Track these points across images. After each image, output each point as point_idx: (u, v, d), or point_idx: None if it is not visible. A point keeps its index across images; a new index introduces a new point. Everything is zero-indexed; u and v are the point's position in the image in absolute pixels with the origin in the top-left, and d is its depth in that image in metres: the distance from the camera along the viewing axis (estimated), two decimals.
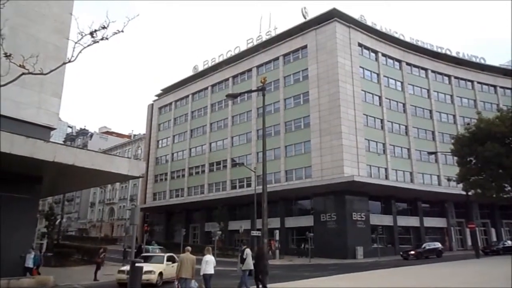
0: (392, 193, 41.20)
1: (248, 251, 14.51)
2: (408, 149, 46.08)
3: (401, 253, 36.01)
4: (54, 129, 16.49)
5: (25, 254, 15.62)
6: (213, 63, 58.37)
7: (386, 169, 43.04)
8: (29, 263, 15.47)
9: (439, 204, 46.87)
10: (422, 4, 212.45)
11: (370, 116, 43.48)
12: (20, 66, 9.01)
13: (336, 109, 40.53)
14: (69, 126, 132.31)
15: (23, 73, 9.28)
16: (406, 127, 46.91)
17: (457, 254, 38.93)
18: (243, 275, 13.85)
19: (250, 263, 13.99)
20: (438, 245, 37.35)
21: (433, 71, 51.81)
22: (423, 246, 36.54)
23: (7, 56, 8.66)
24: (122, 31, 9.13)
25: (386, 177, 42.48)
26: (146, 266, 15.86)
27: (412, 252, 35.09)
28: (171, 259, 18.89)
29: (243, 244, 16.24)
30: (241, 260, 14.46)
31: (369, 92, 44.50)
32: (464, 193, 32.12)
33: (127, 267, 15.63)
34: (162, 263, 18.16)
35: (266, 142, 17.44)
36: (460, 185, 33.15)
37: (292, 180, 43.01)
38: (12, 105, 15.00)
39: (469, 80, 54.49)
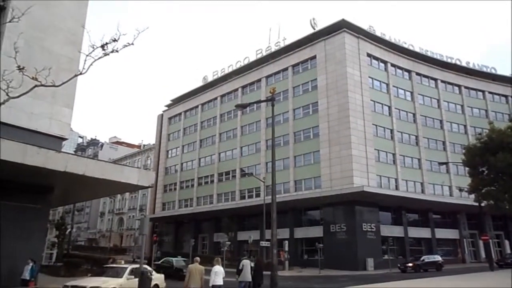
0: (402, 204, 40.73)
1: (245, 262, 14.44)
2: (419, 159, 45.64)
3: (398, 265, 34.77)
4: (66, 139, 16.70)
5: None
6: (222, 74, 58.79)
7: (396, 180, 42.64)
8: (26, 274, 14.98)
9: (451, 215, 46.17)
10: (431, 14, 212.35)
11: (379, 126, 43.25)
12: (33, 78, 9.18)
13: (345, 119, 40.42)
14: (80, 136, 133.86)
15: (36, 86, 9.44)
16: (416, 137, 46.54)
17: (471, 266, 38.14)
18: (239, 286, 13.93)
19: (246, 275, 13.98)
20: (438, 258, 35.78)
21: (443, 81, 51.51)
22: (422, 258, 34.96)
23: (20, 69, 8.83)
24: (132, 43, 9.26)
25: (396, 188, 42.05)
26: (95, 281, 14.38)
27: (410, 265, 33.74)
28: (135, 272, 15.69)
29: (242, 256, 16.23)
30: (237, 271, 14.46)
31: (379, 102, 44.34)
32: (476, 204, 31.61)
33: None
34: (121, 277, 15.28)
35: (275, 152, 17.43)
36: (472, 196, 32.65)
37: (301, 190, 42.81)
38: (24, 116, 15.24)
39: (480, 90, 54.00)
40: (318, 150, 42.26)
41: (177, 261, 28.47)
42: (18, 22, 9.42)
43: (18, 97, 9.32)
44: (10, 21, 9.39)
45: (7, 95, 9.09)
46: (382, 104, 44.71)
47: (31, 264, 15.27)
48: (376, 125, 42.81)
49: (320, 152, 41.92)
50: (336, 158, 40.10)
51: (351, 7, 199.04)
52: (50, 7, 15.21)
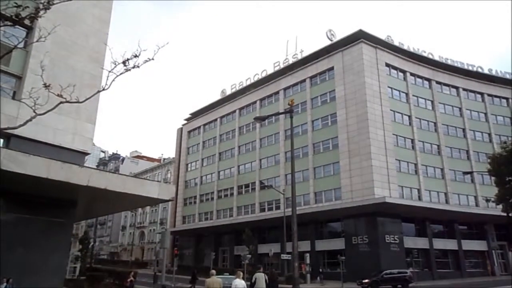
0: (426, 215, 39.80)
1: (258, 275, 13.93)
2: (442, 169, 44.66)
3: (357, 281, 31.22)
4: (88, 154, 17.05)
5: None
6: (240, 87, 59.27)
7: (418, 190, 41.79)
8: None
9: (478, 226, 44.80)
10: (449, 22, 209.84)
11: (400, 136, 42.68)
12: (58, 95, 9.46)
13: (364, 129, 40.05)
14: (101, 151, 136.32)
15: (61, 102, 9.72)
16: (439, 146, 45.62)
17: (501, 279, 36.76)
18: None
19: None
20: (405, 272, 31.23)
21: (464, 89, 50.54)
22: (382, 273, 30.33)
23: (46, 86, 9.12)
24: (153, 59, 9.46)
25: (419, 198, 41.18)
26: None
27: (366, 281, 29.75)
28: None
29: (257, 269, 15.72)
30: (250, 285, 13.96)
31: (398, 112, 43.84)
32: (504, 214, 30.58)
33: None
34: None
35: (295, 164, 17.35)
36: (500, 206, 31.63)
37: (321, 202, 42.42)
38: (49, 131, 15.67)
39: (504, 98, 52.71)
40: (338, 161, 41.91)
41: (226, 279, 22.85)
42: (45, 41, 9.77)
43: (44, 113, 9.61)
44: (37, 41, 9.74)
45: (34, 112, 9.38)
46: (402, 113, 44.16)
47: (4, 283, 13.45)
48: (396, 135, 42.25)
49: (340, 163, 41.54)
50: (357, 169, 39.64)
51: (368, 18, 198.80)
52: (74, 26, 15.74)
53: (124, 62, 9.33)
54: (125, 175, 16.16)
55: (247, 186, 53.18)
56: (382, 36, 46.30)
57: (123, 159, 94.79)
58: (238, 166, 55.64)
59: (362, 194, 38.02)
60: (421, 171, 42.76)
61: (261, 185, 50.75)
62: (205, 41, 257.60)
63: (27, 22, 10.33)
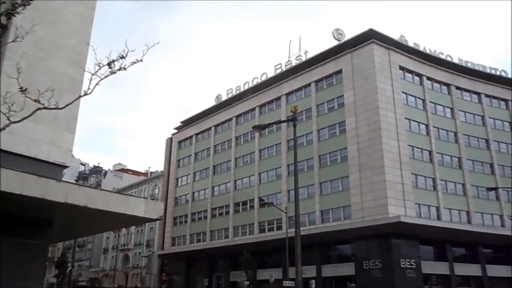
0: (446, 236, 39.63)
1: None
2: (463, 185, 44.64)
3: None
4: (67, 167, 16.99)
5: None
6: (237, 92, 59.52)
7: (437, 208, 41.73)
8: None
9: (504, 249, 44.53)
10: (467, 22, 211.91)
11: (416, 147, 42.78)
12: (35, 101, 9.46)
13: (377, 140, 40.15)
14: (81, 164, 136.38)
15: (39, 108, 9.72)
16: (459, 159, 45.67)
17: None
18: None
19: None
20: None
21: (487, 95, 50.73)
22: None
23: (23, 90, 9.13)
24: (141, 60, 9.49)
25: (438, 217, 41.09)
26: None
27: None
28: None
29: None
30: None
31: (414, 120, 44.00)
32: None
33: None
34: None
35: (299, 179, 17.33)
36: None
37: (328, 221, 42.31)
38: (24, 141, 15.61)
39: None
40: (347, 175, 41.92)
41: None
42: (22, 41, 9.81)
43: (19, 121, 9.60)
44: (13, 41, 9.78)
45: (8, 119, 9.37)
46: (418, 122, 44.33)
47: None
48: (412, 146, 42.36)
49: (350, 178, 41.54)
50: (368, 184, 39.63)
51: (378, 17, 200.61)
52: (53, 24, 15.81)
53: (109, 64, 9.37)
54: (107, 190, 16.07)
55: (244, 203, 53.04)
56: (395, 36, 46.75)
57: (105, 173, 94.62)
58: (235, 181, 55.55)
59: (375, 212, 37.93)
60: (440, 187, 42.73)
61: (260, 202, 50.64)
62: (198, 41, 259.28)
63: (3, 20, 10.39)
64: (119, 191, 66.40)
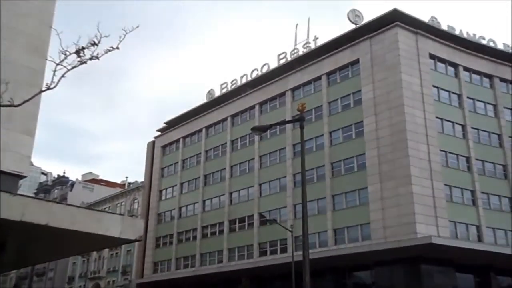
0: (489, 262, 39.40)
1: None
2: (510, 199, 44.45)
3: None
4: (24, 177, 16.86)
5: None
6: (233, 87, 59.59)
7: (478, 227, 41.50)
8: None
9: None
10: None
11: (450, 153, 42.68)
12: None
13: (401, 144, 40.05)
14: (43, 173, 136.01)
15: None
16: (504, 167, 45.46)
17: None
18: None
19: None
20: None
21: None
22: None
23: None
24: (118, 47, 9.37)
25: (479, 239, 40.90)
26: None
27: None
28: None
29: None
30: None
31: (448, 120, 43.91)
32: None
33: None
34: None
35: (307, 191, 17.21)
36: None
37: (343, 242, 42.22)
38: None
39: None
40: (365, 187, 41.80)
41: None
42: None
43: None
44: None
45: None
46: (452, 122, 44.22)
47: None
48: (445, 152, 42.28)
49: (368, 190, 41.42)
50: (391, 197, 39.48)
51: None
52: (7, 3, 15.70)
53: (77, 52, 9.24)
54: (75, 206, 15.92)
55: (242, 220, 52.97)
56: (424, 17, 46.79)
57: (72, 184, 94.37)
58: (230, 194, 55.48)
59: (399, 232, 37.76)
60: (481, 201, 42.52)
61: (261, 219, 50.56)
62: (188, 27, 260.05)
63: None
64: (89, 206, 66.20)
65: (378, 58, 44.22)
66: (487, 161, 44.84)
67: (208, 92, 63.11)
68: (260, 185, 52.31)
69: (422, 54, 44.15)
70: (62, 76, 9.36)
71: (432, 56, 45.10)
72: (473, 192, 42.67)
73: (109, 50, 9.44)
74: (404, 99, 41.22)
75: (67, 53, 9.26)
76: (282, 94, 52.97)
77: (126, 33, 9.50)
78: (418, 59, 43.71)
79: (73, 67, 9.37)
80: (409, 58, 43.22)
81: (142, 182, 73.88)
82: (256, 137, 52.94)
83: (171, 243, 61.55)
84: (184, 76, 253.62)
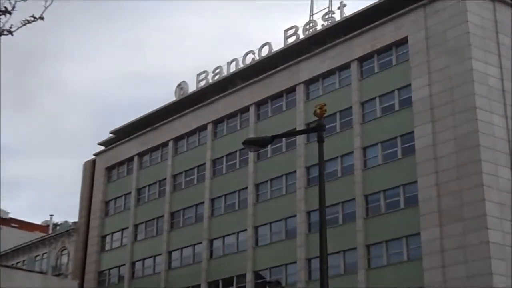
0: None
1: None
2: None
3: None
4: None
5: None
6: (217, 78, 59.82)
7: None
8: None
9: None
10: None
11: None
12: None
13: (472, 167, 40.05)
14: None
15: None
16: None
17: None
18: None
19: None
20: None
21: None
22: None
23: None
24: (41, 18, 9.47)
25: None
26: None
27: None
28: None
29: None
30: None
31: None
32: None
33: None
34: None
35: (327, 237, 17.15)
36: None
37: None
38: None
39: None
40: (418, 232, 41.74)
41: None
42: None
43: None
44: None
45: None
46: None
47: None
48: None
49: (422, 237, 41.33)
50: (457, 248, 39.39)
51: None
52: None
53: None
54: None
55: (228, 283, 52.99)
56: None
57: None
58: (210, 241, 55.44)
59: None
60: None
61: (257, 280, 50.42)
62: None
63: None
64: None
65: (436, 36, 44.37)
66: None
67: (179, 86, 63.07)
68: (256, 228, 52.25)
69: (501, 30, 44.37)
70: None
71: None
72: None
73: (29, 22, 9.55)
74: (476, 98, 41.19)
75: None
76: (291, 90, 53.16)
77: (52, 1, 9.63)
78: (496, 38, 43.94)
79: None
80: (484, 36, 43.37)
81: (74, 223, 73.54)
82: (251, 155, 52.86)
83: None
84: (140, 61, 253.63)
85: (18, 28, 9.51)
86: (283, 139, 49.58)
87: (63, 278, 58.52)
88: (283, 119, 52.21)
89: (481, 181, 39.56)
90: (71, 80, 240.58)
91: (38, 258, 78.29)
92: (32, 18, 9.49)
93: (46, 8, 9.53)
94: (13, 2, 9.32)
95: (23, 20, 9.46)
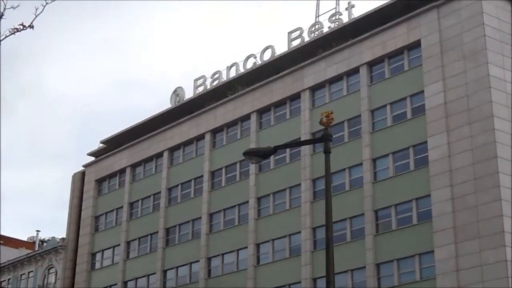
0: None
1: None
2: None
3: None
4: None
5: None
6: (215, 84, 59.88)
7: None
8: None
9: None
10: None
11: None
12: None
13: (489, 179, 40.01)
14: None
15: None
16: None
17: None
18: None
19: None
20: None
21: None
22: None
23: None
24: (31, 26, 9.53)
25: None
26: None
27: None
28: None
29: None
30: None
31: None
32: None
33: None
34: None
35: (334, 256, 17.16)
36: None
37: None
38: None
39: None
40: (431, 250, 41.70)
41: None
42: None
43: None
44: None
45: None
46: None
47: None
48: None
49: (436, 256, 41.30)
50: (473, 267, 39.23)
51: None
52: None
53: None
54: None
55: None
56: None
57: None
58: (208, 260, 55.38)
59: None
60: None
61: None
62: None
63: None
64: None
65: (451, 39, 44.43)
66: None
67: (174, 92, 63.09)
68: (257, 245, 52.20)
69: None
70: None
71: None
72: None
73: (18, 30, 9.62)
74: (493, 106, 41.26)
75: None
76: (295, 97, 53.22)
77: (45, 5, 9.68)
78: None
79: None
80: (500, 39, 43.50)
81: (62, 239, 73.47)
82: (252, 167, 52.90)
83: None
84: (133, 66, 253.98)
85: (6, 36, 9.56)
86: (287, 149, 49.60)
87: None
88: (286, 128, 52.24)
89: (499, 196, 39.54)
90: (57, 86, 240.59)
91: (23, 276, 78.19)
92: (21, 27, 9.54)
93: (36, 16, 9.59)
94: (1, 10, 9.37)
95: (12, 28, 9.51)
